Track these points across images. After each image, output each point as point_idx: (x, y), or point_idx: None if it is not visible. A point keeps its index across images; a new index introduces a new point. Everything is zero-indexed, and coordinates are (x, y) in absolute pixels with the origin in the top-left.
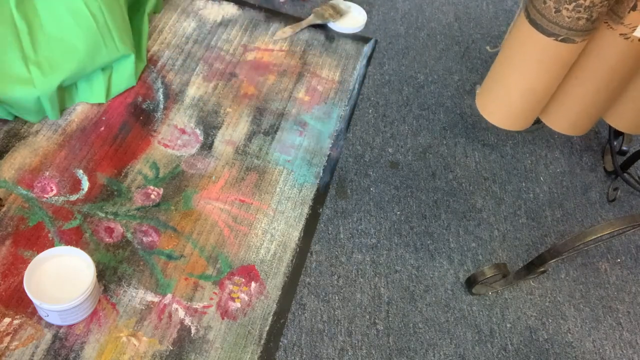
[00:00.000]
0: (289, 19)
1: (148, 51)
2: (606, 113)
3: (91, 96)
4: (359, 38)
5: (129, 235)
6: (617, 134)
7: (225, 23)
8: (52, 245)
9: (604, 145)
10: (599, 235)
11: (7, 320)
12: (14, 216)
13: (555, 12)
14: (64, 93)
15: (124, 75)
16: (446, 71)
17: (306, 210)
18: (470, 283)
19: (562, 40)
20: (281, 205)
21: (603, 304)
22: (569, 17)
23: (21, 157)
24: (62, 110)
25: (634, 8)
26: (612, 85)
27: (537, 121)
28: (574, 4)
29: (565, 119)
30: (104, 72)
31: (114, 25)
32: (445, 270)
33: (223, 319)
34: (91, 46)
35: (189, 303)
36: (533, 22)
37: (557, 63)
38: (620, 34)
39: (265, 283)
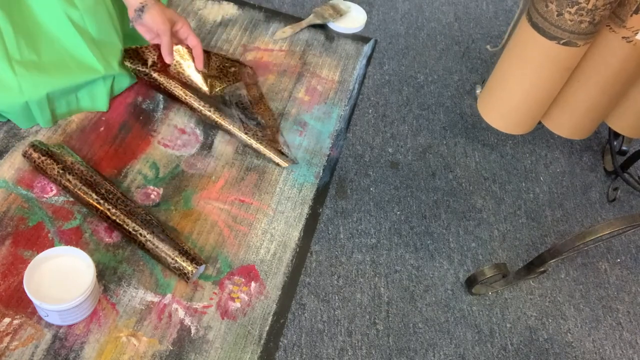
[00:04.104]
0: (289, 19)
1: None
2: (608, 116)
3: (93, 106)
4: (359, 38)
5: None
6: (617, 134)
7: (225, 23)
8: (52, 245)
9: (604, 145)
10: (599, 235)
11: (7, 320)
12: (14, 216)
13: (557, 16)
14: (61, 101)
15: (127, 79)
16: (446, 71)
17: (306, 210)
18: (470, 283)
19: (564, 44)
20: (281, 205)
21: (603, 304)
22: (571, 21)
23: (21, 157)
24: (57, 120)
25: (636, 11)
26: (615, 88)
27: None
28: (576, 7)
29: (568, 123)
30: (105, 81)
31: (100, 38)
32: (445, 270)
33: (223, 319)
34: (82, 61)
35: (188, 303)
36: (535, 26)
37: (560, 67)
38: (623, 37)
39: (265, 283)
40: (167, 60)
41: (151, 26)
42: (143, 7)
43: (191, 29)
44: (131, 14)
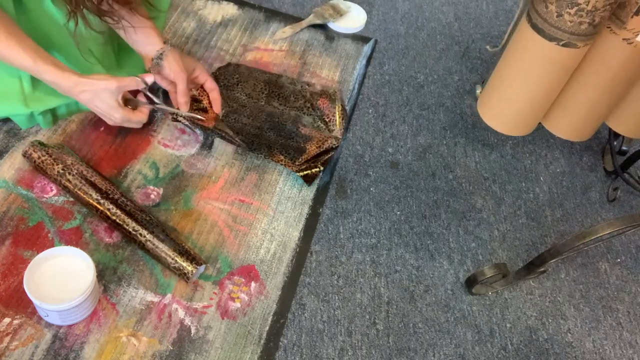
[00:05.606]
0: (289, 19)
1: None
2: (608, 117)
3: None
4: (359, 38)
5: None
6: (617, 134)
7: (225, 23)
8: (52, 245)
9: (604, 145)
10: (599, 235)
11: (7, 320)
12: (14, 216)
13: (557, 17)
14: (62, 104)
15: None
16: (446, 71)
17: (306, 210)
18: (470, 283)
19: (564, 45)
20: (281, 205)
21: (603, 304)
22: (571, 22)
23: (21, 157)
24: (57, 120)
25: (637, 13)
26: (615, 90)
27: None
28: (576, 8)
29: (568, 125)
30: None
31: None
32: (445, 270)
33: (223, 319)
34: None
35: (188, 303)
36: (535, 27)
37: (559, 68)
38: (623, 39)
39: (265, 283)
40: (183, 107)
41: (167, 74)
42: (161, 54)
43: (208, 74)
44: (149, 63)
